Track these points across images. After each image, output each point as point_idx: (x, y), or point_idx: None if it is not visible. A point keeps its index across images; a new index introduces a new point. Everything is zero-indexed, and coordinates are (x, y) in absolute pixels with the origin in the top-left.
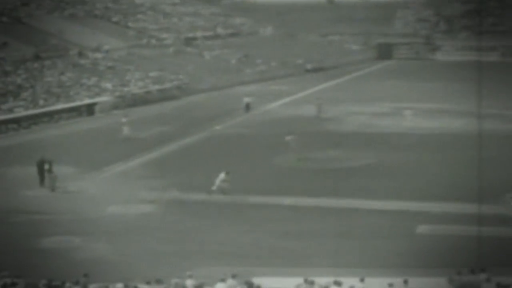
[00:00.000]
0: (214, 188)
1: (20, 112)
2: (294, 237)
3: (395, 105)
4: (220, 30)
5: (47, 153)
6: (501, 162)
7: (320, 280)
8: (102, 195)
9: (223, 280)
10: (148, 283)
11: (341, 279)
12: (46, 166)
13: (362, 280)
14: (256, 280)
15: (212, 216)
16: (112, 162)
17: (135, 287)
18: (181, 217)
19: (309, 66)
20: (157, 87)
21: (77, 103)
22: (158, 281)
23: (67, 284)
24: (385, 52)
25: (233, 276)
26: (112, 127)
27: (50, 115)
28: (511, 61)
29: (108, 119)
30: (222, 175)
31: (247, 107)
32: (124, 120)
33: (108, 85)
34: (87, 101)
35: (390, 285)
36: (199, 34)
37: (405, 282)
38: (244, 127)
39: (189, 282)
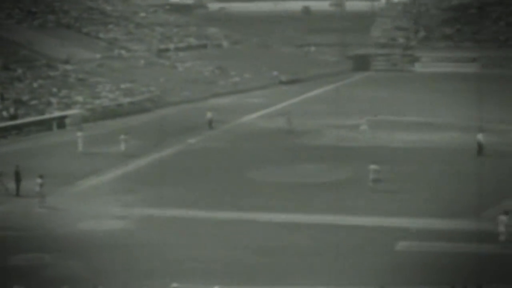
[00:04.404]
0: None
1: None
2: (268, 254)
3: (372, 118)
4: (192, 41)
5: (16, 166)
6: (480, 176)
7: None
8: (73, 211)
9: None
10: None
11: None
12: (38, 180)
13: None
14: None
15: (185, 233)
16: (83, 177)
17: None
18: (153, 233)
19: (284, 78)
20: (128, 99)
21: (47, 115)
22: None
23: None
24: (362, 63)
25: None
26: (83, 141)
27: (19, 128)
28: (492, 73)
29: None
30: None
31: (210, 122)
32: (79, 134)
33: (79, 98)
34: (58, 114)
35: None
36: (171, 45)
37: None
38: (218, 141)
39: None
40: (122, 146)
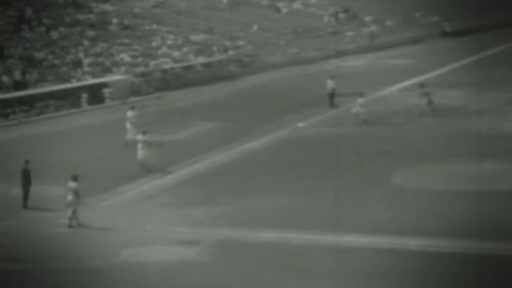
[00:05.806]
0: None
1: None
2: None
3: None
4: None
5: (25, 162)
6: None
7: None
8: (114, 232)
9: None
10: None
11: None
12: (72, 184)
13: None
14: None
15: (292, 266)
16: (129, 180)
17: None
18: (238, 267)
19: (448, 27)
20: (202, 59)
21: (74, 84)
22: None
23: None
24: None
25: None
26: (135, 124)
27: (30, 102)
28: None
29: (124, 110)
30: None
31: (331, 96)
32: (129, 114)
33: (125, 56)
34: (91, 81)
35: None
36: None
37: None
38: (343, 125)
39: None
40: (139, 153)
